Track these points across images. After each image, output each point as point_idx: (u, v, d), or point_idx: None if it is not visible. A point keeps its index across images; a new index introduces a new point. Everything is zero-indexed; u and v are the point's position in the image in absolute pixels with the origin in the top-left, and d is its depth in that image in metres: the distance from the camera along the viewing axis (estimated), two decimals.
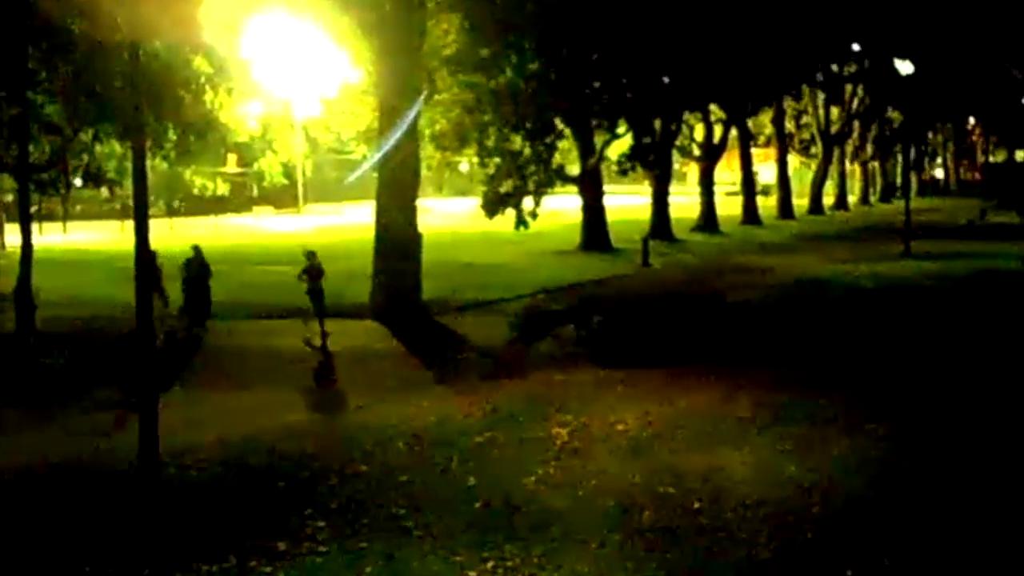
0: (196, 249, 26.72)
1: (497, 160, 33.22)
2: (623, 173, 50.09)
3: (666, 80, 41.39)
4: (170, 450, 13.66)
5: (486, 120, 33.55)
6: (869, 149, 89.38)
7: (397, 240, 28.89)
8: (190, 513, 11.91)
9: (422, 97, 29.75)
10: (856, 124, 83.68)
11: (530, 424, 14.96)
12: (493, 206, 32.42)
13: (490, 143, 33.66)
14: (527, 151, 34.99)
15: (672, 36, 36.44)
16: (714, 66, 43.35)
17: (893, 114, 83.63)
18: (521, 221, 33.86)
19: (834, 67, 69.59)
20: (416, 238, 29.17)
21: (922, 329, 22.97)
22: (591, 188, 46.48)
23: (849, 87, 75.39)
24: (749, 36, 43.11)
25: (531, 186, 33.26)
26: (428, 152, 40.50)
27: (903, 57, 44.29)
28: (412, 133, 29.49)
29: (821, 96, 74.33)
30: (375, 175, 29.49)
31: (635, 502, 11.35)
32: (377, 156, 29.31)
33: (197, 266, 26.43)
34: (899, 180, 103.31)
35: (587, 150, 45.64)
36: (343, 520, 11.24)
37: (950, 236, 47.72)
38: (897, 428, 14.41)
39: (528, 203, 37.81)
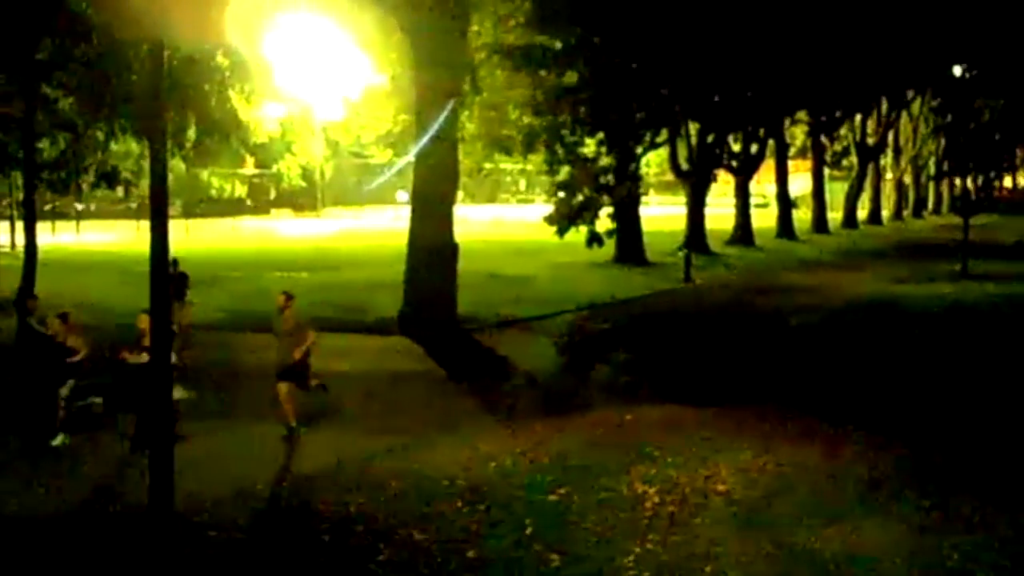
0: None
1: (568, 168, 30.56)
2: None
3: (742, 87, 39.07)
4: (183, 499, 11.48)
5: (560, 121, 30.91)
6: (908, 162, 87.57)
7: (431, 250, 26.83)
8: None
9: (451, 102, 27.60)
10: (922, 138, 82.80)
11: (608, 478, 12.71)
12: (565, 221, 29.82)
13: (562, 148, 30.98)
14: (604, 159, 32.39)
15: (764, 40, 33.96)
16: (808, 71, 40.95)
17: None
18: (595, 238, 31.10)
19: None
20: (452, 249, 27.09)
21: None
22: (627, 198, 44.29)
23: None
24: (850, 38, 40.66)
25: (604, 198, 30.58)
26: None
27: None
28: (451, 137, 27.47)
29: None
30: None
31: None
32: (403, 160, 27.26)
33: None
34: (931, 195, 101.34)
35: (624, 158, 43.52)
36: None
37: (1002, 256, 45.36)
38: None
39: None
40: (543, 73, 32.98)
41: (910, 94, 74.13)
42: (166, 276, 10.93)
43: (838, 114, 64.24)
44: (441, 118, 26.46)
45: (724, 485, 12.36)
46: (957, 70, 41.77)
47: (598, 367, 20.97)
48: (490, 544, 10.61)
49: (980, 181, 67.36)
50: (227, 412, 17.25)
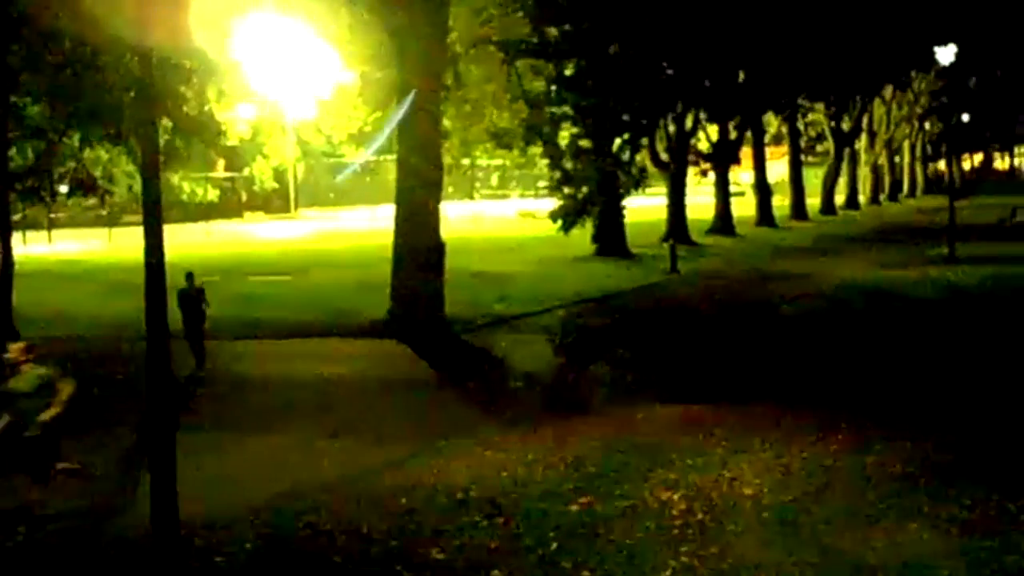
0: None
1: (572, 161, 29.90)
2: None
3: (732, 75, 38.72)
4: (185, 521, 10.78)
5: (559, 114, 30.27)
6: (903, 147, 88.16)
7: (418, 250, 26.22)
8: None
9: (434, 98, 27.00)
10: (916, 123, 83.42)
11: (628, 485, 12.14)
12: (571, 217, 29.16)
13: (549, 144, 30.32)
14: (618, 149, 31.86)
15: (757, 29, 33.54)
16: (806, 60, 40.51)
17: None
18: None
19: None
20: (439, 247, 26.48)
21: None
22: (608, 190, 43.76)
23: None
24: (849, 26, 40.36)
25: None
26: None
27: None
28: (436, 132, 26.90)
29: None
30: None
31: None
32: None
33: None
34: (905, 179, 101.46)
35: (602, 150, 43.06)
36: None
37: (986, 237, 45.03)
38: None
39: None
40: (540, 64, 32.41)
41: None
42: (162, 285, 10.30)
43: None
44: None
45: (751, 488, 11.80)
46: (949, 53, 41.24)
47: (598, 365, 20.43)
48: (515, 562, 10.00)
49: (977, 161, 67.72)
50: (222, 425, 16.57)
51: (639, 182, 36.85)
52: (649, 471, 12.62)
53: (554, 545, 10.36)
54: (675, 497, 11.61)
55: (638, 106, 33.02)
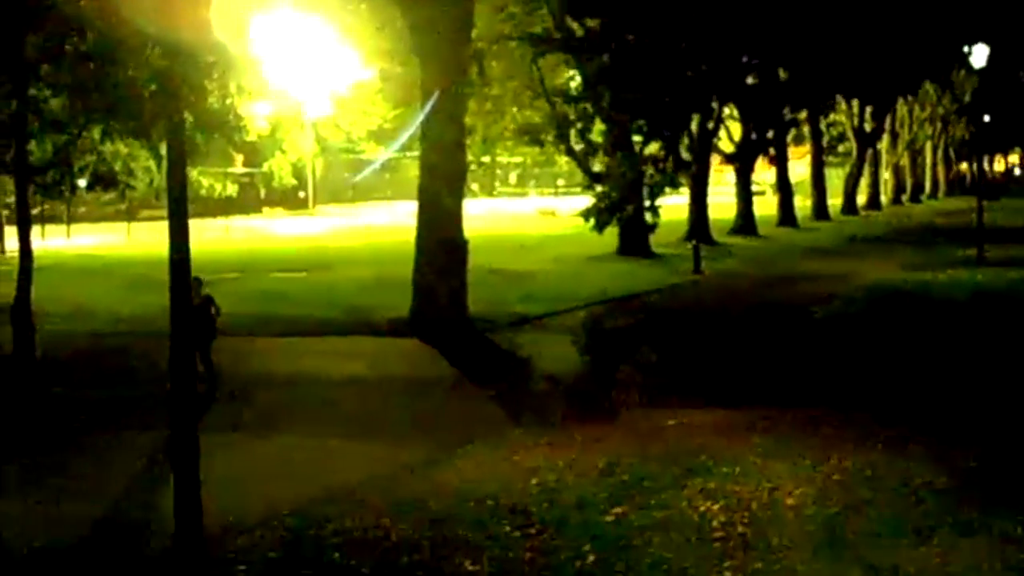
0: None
1: (607, 158, 29.44)
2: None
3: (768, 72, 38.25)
4: (205, 525, 10.42)
5: (592, 110, 29.85)
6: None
7: (440, 248, 25.91)
8: None
9: (456, 95, 26.70)
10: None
11: (664, 494, 11.71)
12: (605, 215, 28.72)
13: (596, 137, 29.89)
14: (641, 147, 31.46)
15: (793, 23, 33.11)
16: (844, 56, 39.97)
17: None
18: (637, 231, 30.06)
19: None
20: (462, 246, 26.16)
21: None
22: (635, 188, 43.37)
23: None
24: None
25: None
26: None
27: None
28: (459, 130, 26.57)
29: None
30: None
31: None
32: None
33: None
34: (927, 180, 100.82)
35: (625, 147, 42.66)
36: None
37: (1014, 239, 44.32)
38: None
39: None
40: (567, 59, 32.09)
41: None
42: (187, 282, 10.02)
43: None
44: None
45: (792, 499, 11.37)
46: (983, 54, 40.55)
47: (626, 368, 20.00)
48: None
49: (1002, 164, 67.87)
50: (243, 425, 16.24)
51: (673, 180, 36.38)
52: (684, 479, 12.19)
53: (591, 558, 9.95)
54: (714, 507, 11.19)
55: (671, 102, 32.53)
